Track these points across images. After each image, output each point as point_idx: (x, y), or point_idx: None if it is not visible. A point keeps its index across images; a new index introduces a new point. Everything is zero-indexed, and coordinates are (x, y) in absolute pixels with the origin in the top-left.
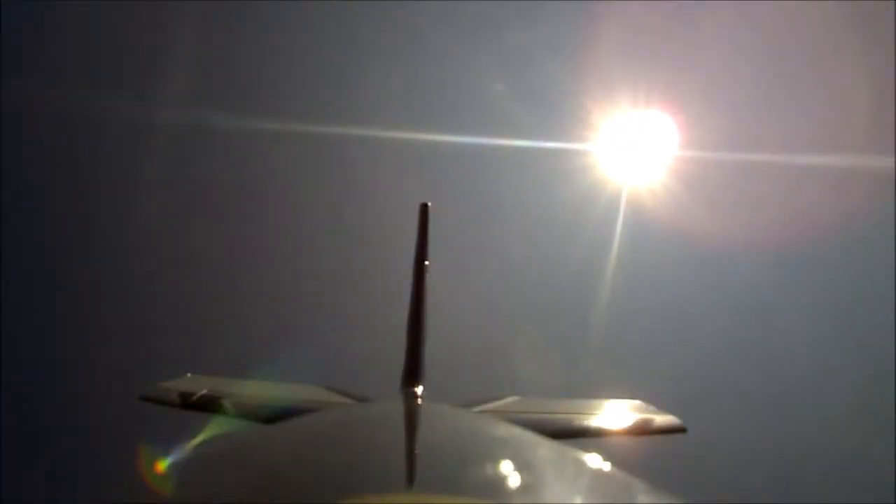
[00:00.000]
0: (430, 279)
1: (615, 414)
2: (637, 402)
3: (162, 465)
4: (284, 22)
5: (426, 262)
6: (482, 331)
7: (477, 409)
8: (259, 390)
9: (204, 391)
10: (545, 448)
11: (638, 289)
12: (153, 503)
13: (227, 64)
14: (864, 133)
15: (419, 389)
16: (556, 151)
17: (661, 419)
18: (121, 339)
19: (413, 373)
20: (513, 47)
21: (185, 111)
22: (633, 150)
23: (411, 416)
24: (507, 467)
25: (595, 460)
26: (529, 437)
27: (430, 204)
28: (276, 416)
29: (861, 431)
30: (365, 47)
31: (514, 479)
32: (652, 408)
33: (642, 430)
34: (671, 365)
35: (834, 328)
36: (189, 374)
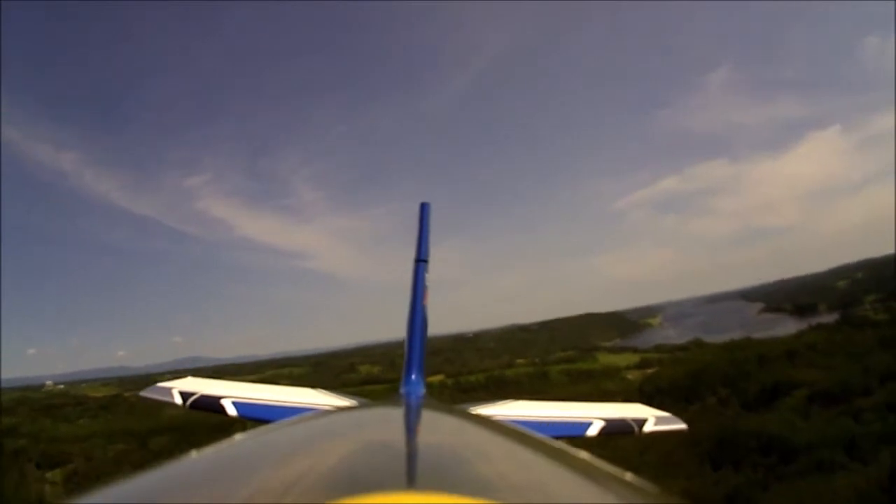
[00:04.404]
0: (430, 278)
1: (614, 415)
2: (637, 405)
3: (161, 465)
4: None
5: (426, 261)
6: None
7: (476, 410)
8: (258, 392)
9: (203, 391)
10: (545, 448)
11: None
12: (154, 503)
13: None
14: None
15: (419, 390)
16: None
17: (661, 419)
18: None
19: (413, 373)
20: None
21: None
22: None
23: (410, 416)
24: (506, 467)
25: (594, 460)
26: (529, 437)
27: (429, 203)
28: (275, 417)
29: None
30: None
31: (513, 480)
32: (652, 408)
33: (642, 431)
34: None
35: None
36: (189, 377)
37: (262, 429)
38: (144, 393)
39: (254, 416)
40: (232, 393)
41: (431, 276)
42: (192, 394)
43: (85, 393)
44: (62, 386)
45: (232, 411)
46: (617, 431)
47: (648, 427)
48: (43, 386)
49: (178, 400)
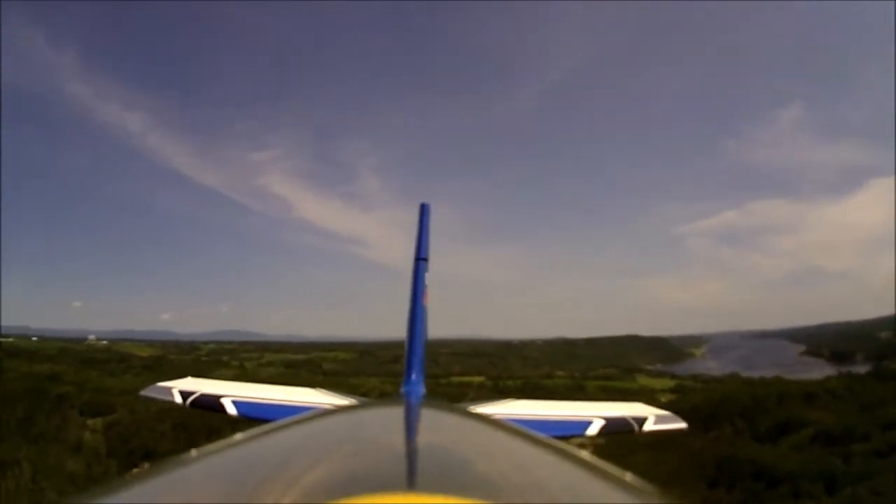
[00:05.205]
0: (430, 277)
1: (614, 413)
2: (637, 404)
3: (160, 465)
4: None
5: (426, 260)
6: None
7: (476, 409)
8: (258, 392)
9: (203, 391)
10: (545, 448)
11: None
12: (153, 503)
13: None
14: None
15: (419, 389)
16: None
17: (661, 418)
18: None
19: (413, 373)
20: None
21: None
22: None
23: (411, 416)
24: (507, 467)
25: (595, 460)
26: (529, 436)
27: (430, 204)
28: (275, 416)
29: None
30: None
31: (514, 479)
32: (652, 408)
33: (642, 430)
34: None
35: None
36: (189, 377)
37: (262, 428)
38: (144, 392)
39: (254, 416)
40: (232, 392)
41: (434, 275)
42: (192, 393)
43: (129, 351)
44: (105, 342)
45: (232, 410)
46: (617, 430)
47: (648, 426)
48: (86, 339)
49: (178, 399)
